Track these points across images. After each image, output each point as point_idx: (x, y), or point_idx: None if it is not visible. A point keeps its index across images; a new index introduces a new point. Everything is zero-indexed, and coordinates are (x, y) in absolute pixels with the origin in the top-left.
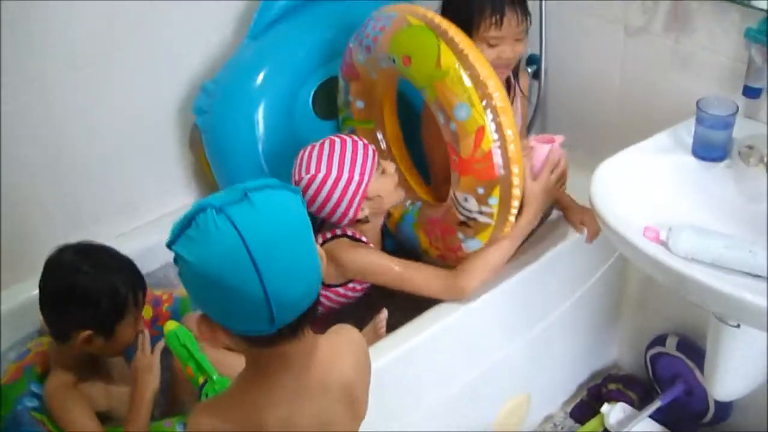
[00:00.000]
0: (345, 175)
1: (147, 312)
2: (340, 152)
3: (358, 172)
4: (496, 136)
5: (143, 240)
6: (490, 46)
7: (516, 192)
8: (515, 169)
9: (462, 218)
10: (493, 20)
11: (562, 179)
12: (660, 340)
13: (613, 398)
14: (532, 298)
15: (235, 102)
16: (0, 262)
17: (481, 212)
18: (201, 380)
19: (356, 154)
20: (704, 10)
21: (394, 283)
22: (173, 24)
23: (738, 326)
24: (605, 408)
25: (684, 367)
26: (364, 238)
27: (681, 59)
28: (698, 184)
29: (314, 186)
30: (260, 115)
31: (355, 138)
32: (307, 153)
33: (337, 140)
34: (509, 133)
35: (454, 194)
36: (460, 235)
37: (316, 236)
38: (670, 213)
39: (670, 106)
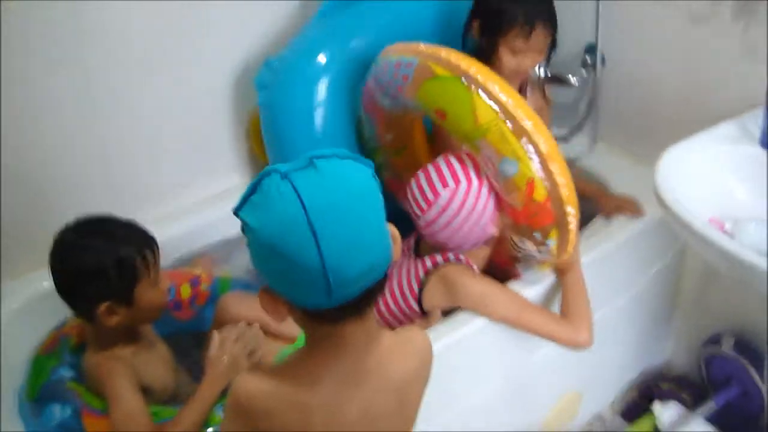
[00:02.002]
0: (485, 183)
1: (185, 291)
2: (470, 164)
3: (488, 183)
4: (547, 184)
5: (189, 221)
6: (514, 54)
7: (572, 229)
8: (570, 210)
9: (520, 255)
10: (522, 32)
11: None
12: (715, 340)
13: (665, 397)
14: None
15: (299, 78)
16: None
17: (539, 252)
18: None
19: (477, 167)
20: None
21: (508, 320)
22: None
23: None
24: (657, 407)
25: (740, 368)
26: (475, 267)
27: (749, 48)
28: (765, 175)
29: (458, 199)
30: (322, 94)
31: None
32: (433, 171)
33: (454, 156)
34: (561, 180)
35: (510, 237)
36: (518, 267)
37: (420, 260)
38: (735, 204)
39: (736, 97)
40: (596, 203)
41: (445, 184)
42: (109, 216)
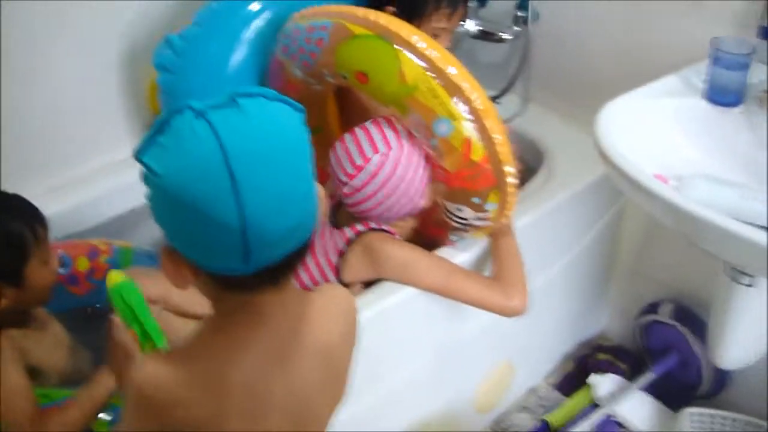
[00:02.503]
0: (417, 151)
1: (83, 263)
2: (402, 129)
3: (420, 150)
4: (484, 143)
5: (84, 191)
6: (435, 35)
7: (512, 190)
8: (508, 169)
9: (457, 225)
10: (446, 13)
11: None
12: (653, 308)
13: (601, 369)
14: None
15: (208, 67)
16: None
17: (478, 218)
18: (146, 349)
19: (409, 132)
20: None
21: (436, 287)
22: None
23: (750, 286)
24: (593, 379)
25: (678, 336)
26: (398, 237)
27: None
28: (710, 129)
29: (389, 165)
30: (232, 78)
31: None
32: (363, 135)
33: (384, 119)
34: (497, 138)
35: (445, 204)
36: (453, 237)
37: (339, 230)
38: (680, 160)
39: (677, 51)
40: None
41: (376, 149)
42: None
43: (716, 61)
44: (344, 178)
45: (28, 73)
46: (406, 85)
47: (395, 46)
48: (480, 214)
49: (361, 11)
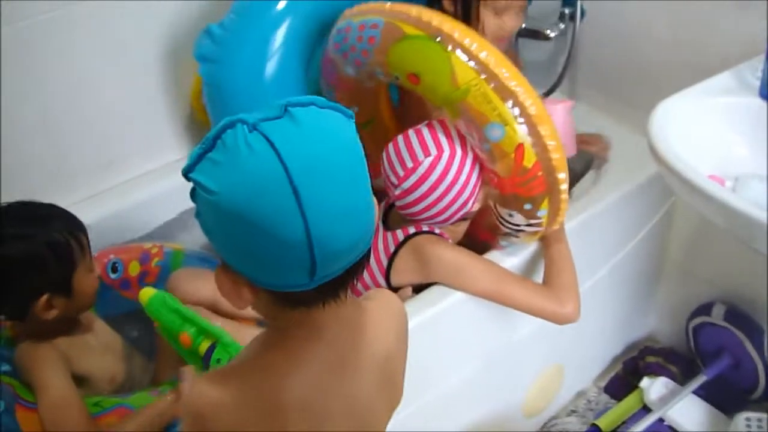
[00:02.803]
0: (469, 154)
1: (134, 268)
2: (454, 132)
3: (473, 153)
4: (537, 149)
5: (133, 196)
6: (497, 14)
7: (564, 197)
8: (561, 176)
9: (508, 231)
10: None
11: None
12: (704, 309)
13: (651, 372)
14: None
15: (248, 52)
16: None
17: (529, 225)
18: (205, 347)
19: (461, 135)
20: None
21: (488, 293)
22: None
23: None
24: (645, 383)
25: (732, 338)
26: (450, 240)
27: None
28: (765, 128)
29: (439, 168)
30: (275, 68)
31: None
32: (414, 137)
33: (438, 121)
34: (551, 144)
35: (497, 209)
36: (503, 242)
37: (391, 232)
38: (735, 160)
39: (729, 48)
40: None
41: (427, 152)
42: (26, 202)
43: None
44: (395, 181)
45: (72, 81)
46: (458, 89)
47: (448, 48)
48: (532, 221)
49: (415, 10)
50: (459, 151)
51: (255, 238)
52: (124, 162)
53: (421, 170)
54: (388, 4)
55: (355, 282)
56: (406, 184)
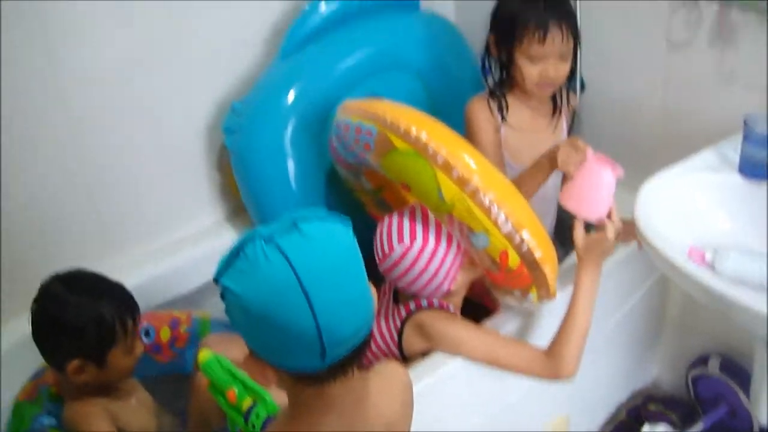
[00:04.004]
0: (442, 245)
1: (165, 333)
2: (433, 221)
3: (455, 242)
4: (522, 249)
5: (167, 262)
6: (533, 62)
7: (552, 284)
8: (546, 269)
9: (504, 302)
10: (536, 36)
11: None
12: (702, 361)
13: (653, 419)
14: None
15: (265, 122)
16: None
17: (521, 304)
18: (248, 404)
19: (439, 226)
20: (751, 23)
21: (486, 360)
22: (203, 43)
23: None
24: (646, 429)
25: (727, 389)
26: (451, 308)
27: (726, 74)
28: (744, 203)
29: (410, 257)
30: (289, 135)
31: None
32: (395, 222)
33: (420, 209)
34: (533, 243)
35: (491, 289)
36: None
37: (396, 306)
38: (716, 233)
39: (715, 122)
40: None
41: (400, 240)
42: (98, 275)
43: (748, 138)
44: (378, 260)
45: (110, 148)
46: (444, 203)
47: (437, 161)
48: (523, 302)
49: (405, 121)
50: (431, 242)
51: (274, 332)
52: (161, 229)
53: (394, 256)
54: (384, 107)
55: (361, 359)
56: (385, 266)
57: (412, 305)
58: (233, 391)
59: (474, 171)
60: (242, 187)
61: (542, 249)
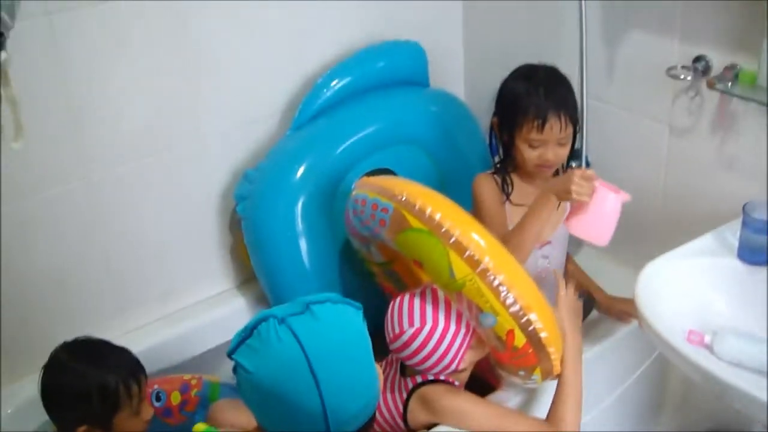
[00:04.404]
0: (452, 327)
1: (175, 397)
2: (443, 302)
3: (464, 323)
4: (528, 329)
5: (179, 326)
6: (532, 147)
7: (556, 363)
8: (551, 350)
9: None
10: (535, 124)
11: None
12: None
13: None
14: None
15: (276, 189)
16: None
17: (525, 384)
18: None
19: (449, 306)
20: (751, 112)
21: (491, 431)
22: (219, 114)
23: None
24: None
25: None
26: (456, 383)
27: (727, 161)
28: (742, 287)
29: (420, 339)
30: (300, 203)
31: None
32: (406, 304)
33: (431, 290)
34: (540, 325)
35: (496, 368)
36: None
37: (402, 379)
38: (715, 316)
39: (716, 207)
40: (597, 302)
41: (411, 323)
42: (104, 341)
43: (747, 225)
44: (388, 339)
45: (126, 215)
46: (455, 282)
47: (449, 241)
48: (527, 382)
49: (420, 200)
50: (441, 324)
51: (282, 410)
52: (173, 294)
53: (404, 338)
54: (401, 186)
55: None
56: (395, 346)
57: (418, 378)
58: None
59: (485, 252)
60: (252, 253)
61: (548, 330)
